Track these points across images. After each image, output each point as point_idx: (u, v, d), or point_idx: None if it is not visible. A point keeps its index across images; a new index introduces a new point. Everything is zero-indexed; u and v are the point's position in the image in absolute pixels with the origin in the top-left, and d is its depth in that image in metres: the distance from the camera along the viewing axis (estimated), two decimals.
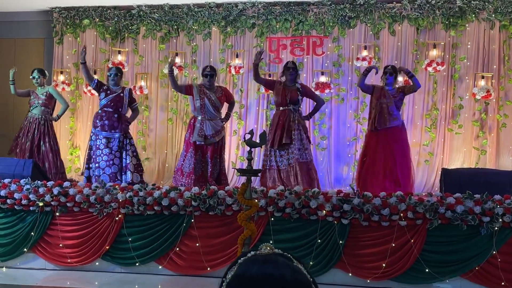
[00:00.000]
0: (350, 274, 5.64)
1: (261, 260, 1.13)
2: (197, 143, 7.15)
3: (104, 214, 6.09)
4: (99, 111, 7.47)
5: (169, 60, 7.40)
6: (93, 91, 9.17)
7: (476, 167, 8.27)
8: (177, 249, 5.95)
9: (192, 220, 5.91)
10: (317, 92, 8.75)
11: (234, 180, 8.55)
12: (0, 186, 6.31)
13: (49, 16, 9.78)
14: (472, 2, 8.53)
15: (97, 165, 7.28)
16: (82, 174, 7.50)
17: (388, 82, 7.29)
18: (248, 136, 5.13)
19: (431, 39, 8.74)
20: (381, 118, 7.17)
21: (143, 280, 5.86)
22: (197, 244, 5.87)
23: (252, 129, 5.47)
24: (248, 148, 5.16)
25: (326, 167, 8.91)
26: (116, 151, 7.32)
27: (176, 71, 9.14)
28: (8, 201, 6.25)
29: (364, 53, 8.69)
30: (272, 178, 7.07)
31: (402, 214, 5.51)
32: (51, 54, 9.78)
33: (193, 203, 5.86)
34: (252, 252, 1.17)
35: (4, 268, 6.19)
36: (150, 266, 6.05)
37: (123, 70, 8.19)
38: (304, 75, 9.03)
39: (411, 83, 7.31)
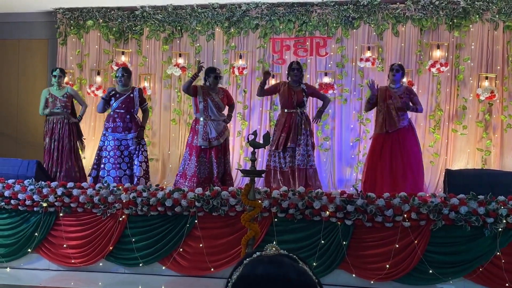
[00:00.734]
0: (354, 275, 5.63)
1: (266, 261, 1.13)
2: (202, 147, 7.17)
3: (108, 214, 6.10)
4: (111, 113, 7.43)
5: (199, 64, 7.29)
6: (97, 92, 9.21)
7: (482, 168, 8.25)
8: (181, 249, 5.95)
9: (196, 221, 5.91)
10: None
11: (238, 180, 8.54)
12: (4, 186, 6.32)
13: (53, 17, 9.79)
14: (476, 2, 8.52)
15: (102, 166, 7.29)
16: (90, 175, 7.48)
17: (395, 79, 7.17)
18: (251, 137, 5.13)
19: (435, 39, 8.73)
20: (391, 121, 7.08)
21: (146, 281, 5.86)
22: (201, 245, 5.88)
23: (256, 130, 5.48)
24: (251, 149, 5.16)
25: (329, 168, 8.91)
26: (126, 156, 7.30)
27: (179, 72, 9.18)
28: (12, 201, 6.27)
29: (368, 53, 8.68)
30: (277, 179, 7.06)
31: (405, 215, 5.51)
32: (55, 55, 9.79)
33: (196, 203, 5.87)
34: (258, 253, 1.17)
35: (8, 268, 6.20)
36: (153, 267, 6.05)
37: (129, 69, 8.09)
38: (308, 75, 9.03)
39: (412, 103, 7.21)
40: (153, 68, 9.57)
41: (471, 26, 8.64)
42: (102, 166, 7.29)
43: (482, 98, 8.34)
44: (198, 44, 9.36)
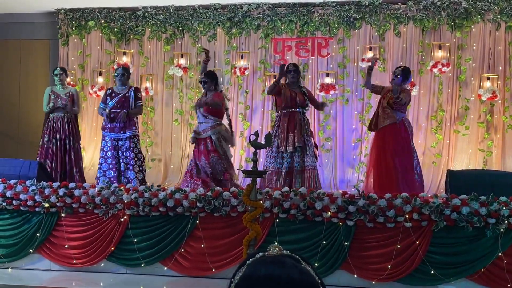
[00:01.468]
0: (355, 276, 5.63)
1: (269, 262, 1.13)
2: (191, 142, 7.31)
3: (110, 215, 6.10)
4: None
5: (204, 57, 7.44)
6: (99, 93, 9.22)
7: (483, 168, 8.24)
8: (182, 250, 5.95)
9: (197, 221, 5.91)
10: (322, 93, 8.79)
11: (240, 181, 8.53)
12: (6, 187, 6.33)
13: (54, 17, 9.81)
14: (478, 3, 8.52)
15: (99, 166, 7.35)
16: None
17: (395, 83, 7.20)
18: (253, 138, 5.13)
19: (437, 40, 8.73)
20: (377, 119, 7.14)
21: (148, 281, 5.86)
22: (202, 245, 5.87)
23: (257, 131, 5.47)
24: (253, 150, 5.16)
25: (331, 168, 8.91)
26: (123, 156, 7.31)
27: (181, 72, 9.19)
28: (14, 202, 6.27)
29: (369, 54, 8.68)
30: (278, 181, 7.04)
31: (407, 216, 5.50)
32: (57, 56, 9.81)
33: (198, 204, 5.87)
34: (261, 253, 1.17)
35: (9, 269, 6.21)
36: (155, 267, 6.05)
37: (129, 70, 8.09)
38: (309, 76, 9.04)
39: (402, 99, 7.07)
40: (154, 68, 9.58)
41: (472, 26, 8.64)
42: (98, 166, 7.35)
43: (484, 98, 8.34)
44: (199, 45, 9.36)
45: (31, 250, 6.21)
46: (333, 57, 9.04)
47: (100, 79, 9.49)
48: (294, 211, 5.70)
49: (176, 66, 9.19)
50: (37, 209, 6.24)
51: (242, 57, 9.14)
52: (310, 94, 7.51)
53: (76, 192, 6.16)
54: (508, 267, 5.34)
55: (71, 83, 9.40)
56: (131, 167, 7.33)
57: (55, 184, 6.34)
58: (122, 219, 6.04)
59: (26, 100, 9.84)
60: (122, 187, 6.24)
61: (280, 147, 7.09)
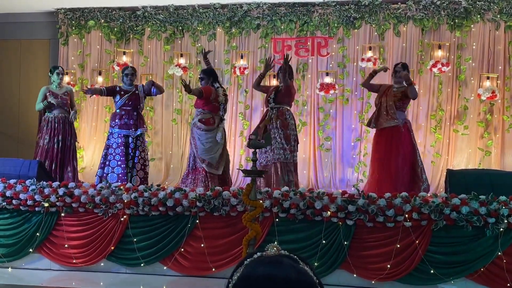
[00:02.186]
0: (355, 275, 5.63)
1: (267, 262, 1.13)
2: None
3: (109, 214, 6.10)
4: (117, 111, 7.46)
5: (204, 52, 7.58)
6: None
7: (480, 167, 8.25)
8: (182, 249, 5.95)
9: (197, 221, 5.91)
10: (322, 93, 8.79)
11: (240, 180, 8.55)
12: (5, 186, 6.33)
13: (54, 17, 9.81)
14: (477, 3, 8.52)
15: (107, 163, 7.29)
16: (97, 174, 7.45)
17: (397, 80, 7.14)
18: (252, 137, 5.13)
19: (436, 40, 8.74)
20: (379, 118, 7.13)
21: (148, 281, 5.86)
22: (202, 245, 5.88)
23: (256, 130, 5.47)
24: (253, 149, 5.16)
25: (330, 168, 8.91)
26: (133, 154, 7.33)
27: (180, 72, 9.19)
28: (14, 201, 6.27)
29: (369, 53, 8.69)
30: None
31: (407, 215, 5.50)
32: (57, 55, 9.81)
33: (198, 203, 5.87)
34: (258, 253, 1.18)
35: (9, 268, 6.21)
36: (155, 267, 6.05)
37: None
38: (309, 76, 9.05)
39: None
40: (154, 68, 9.58)
41: (472, 26, 8.64)
42: (107, 163, 7.30)
43: (483, 98, 8.34)
44: (199, 44, 9.37)
45: (31, 250, 6.21)
46: (332, 56, 9.05)
47: (100, 79, 9.49)
48: (293, 210, 5.70)
49: (176, 66, 9.18)
50: (37, 208, 6.24)
51: (241, 57, 9.14)
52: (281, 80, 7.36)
53: (76, 192, 6.16)
54: (507, 267, 5.35)
55: (71, 82, 9.41)
56: (137, 165, 7.34)
57: (55, 184, 6.34)
58: (122, 219, 6.05)
59: (26, 100, 9.83)
60: (122, 187, 6.24)
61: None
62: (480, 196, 5.52)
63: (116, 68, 9.29)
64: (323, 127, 8.94)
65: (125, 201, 6.02)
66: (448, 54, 8.60)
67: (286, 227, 5.78)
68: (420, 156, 7.32)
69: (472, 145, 8.56)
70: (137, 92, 7.49)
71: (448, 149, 8.64)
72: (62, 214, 6.20)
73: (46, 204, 6.17)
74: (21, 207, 6.29)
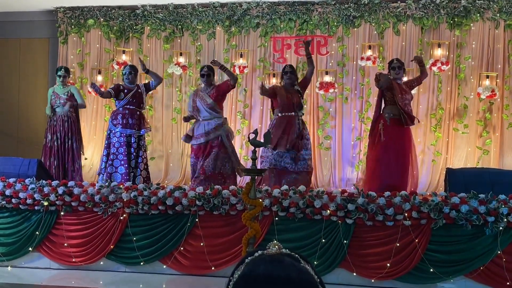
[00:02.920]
0: (355, 274, 5.63)
1: (268, 260, 1.13)
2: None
3: (109, 213, 6.10)
4: (120, 109, 7.43)
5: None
6: None
7: (479, 166, 8.25)
8: (182, 248, 5.96)
9: (197, 220, 5.91)
10: (321, 92, 8.78)
11: (239, 180, 8.52)
12: (5, 185, 6.33)
13: (53, 16, 9.80)
14: (477, 1, 8.52)
15: (110, 162, 7.27)
16: (100, 173, 7.43)
17: (399, 77, 7.08)
18: (252, 136, 5.12)
19: (436, 38, 8.73)
20: (410, 116, 6.96)
21: (147, 280, 5.87)
22: (202, 244, 5.88)
23: (256, 129, 5.47)
24: (252, 148, 5.16)
25: (330, 167, 8.91)
26: (135, 154, 7.33)
27: (180, 71, 9.18)
28: (13, 200, 6.27)
29: (369, 52, 8.68)
30: (273, 179, 7.01)
31: (406, 214, 5.50)
32: (56, 54, 9.79)
33: (197, 202, 5.87)
34: (260, 252, 1.17)
35: (9, 267, 6.21)
36: (154, 266, 6.05)
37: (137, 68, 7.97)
38: None
39: (419, 73, 7.19)
40: (154, 67, 9.55)
41: (472, 25, 8.64)
42: (109, 162, 7.26)
43: (483, 97, 8.34)
44: (199, 43, 9.36)
45: (30, 249, 6.21)
46: (332, 55, 9.04)
47: (99, 78, 9.48)
48: (293, 209, 5.70)
49: (175, 65, 9.17)
50: (36, 207, 6.24)
51: (241, 56, 9.13)
52: (301, 84, 7.31)
53: (75, 191, 6.16)
54: (507, 265, 5.35)
55: (70, 81, 9.40)
56: (141, 165, 7.34)
57: (54, 183, 6.34)
58: (121, 218, 6.05)
59: (25, 98, 9.83)
60: (121, 185, 6.24)
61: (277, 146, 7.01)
62: (479, 195, 5.52)
63: (116, 67, 9.28)
64: (322, 126, 8.94)
65: (125, 200, 6.02)
66: (447, 53, 8.60)
67: (285, 226, 5.78)
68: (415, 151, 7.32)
69: (471, 143, 8.56)
70: (139, 90, 7.49)
71: (448, 147, 8.64)
72: (62, 213, 6.19)
73: (46, 203, 6.17)
74: (20, 206, 6.29)
